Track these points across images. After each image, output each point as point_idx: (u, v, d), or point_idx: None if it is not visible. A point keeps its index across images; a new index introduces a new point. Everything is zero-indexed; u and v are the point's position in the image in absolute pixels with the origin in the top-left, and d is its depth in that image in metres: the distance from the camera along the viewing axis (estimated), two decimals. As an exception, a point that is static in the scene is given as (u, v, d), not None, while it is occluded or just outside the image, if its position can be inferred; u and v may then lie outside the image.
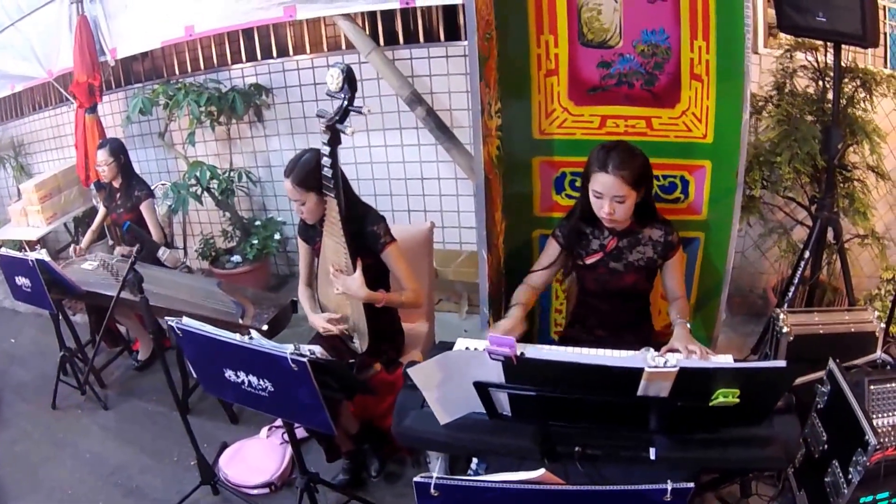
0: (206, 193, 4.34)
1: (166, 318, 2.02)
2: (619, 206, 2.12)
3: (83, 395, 3.63)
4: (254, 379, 1.93)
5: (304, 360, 1.69)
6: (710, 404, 1.46)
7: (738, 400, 1.44)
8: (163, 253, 2.46)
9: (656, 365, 1.34)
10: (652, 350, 1.39)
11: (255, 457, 2.97)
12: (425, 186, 4.31)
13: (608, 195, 2.10)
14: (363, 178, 4.38)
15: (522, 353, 1.40)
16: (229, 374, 1.99)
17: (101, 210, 4.03)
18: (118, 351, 4.00)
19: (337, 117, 2.14)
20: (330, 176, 2.24)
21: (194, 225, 5.10)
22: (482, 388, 1.51)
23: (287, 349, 1.74)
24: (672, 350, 2.03)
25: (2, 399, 3.80)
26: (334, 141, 2.19)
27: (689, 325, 2.17)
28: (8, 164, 5.92)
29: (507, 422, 1.65)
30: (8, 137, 5.95)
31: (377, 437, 2.74)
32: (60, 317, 3.50)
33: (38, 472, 3.17)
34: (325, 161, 2.21)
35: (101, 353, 3.97)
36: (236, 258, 4.56)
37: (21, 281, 3.27)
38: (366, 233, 2.43)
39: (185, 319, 1.97)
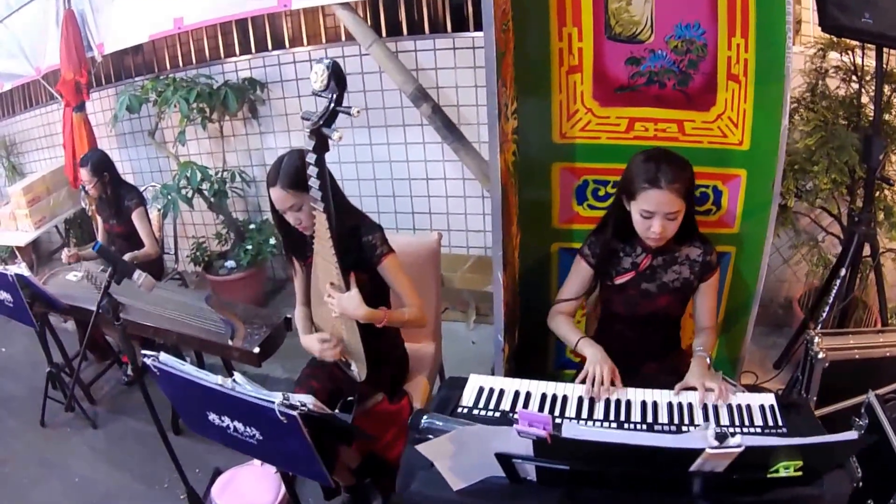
0: (197, 196, 4.11)
1: (142, 352, 1.78)
2: (670, 224, 1.88)
3: (72, 412, 3.47)
4: (240, 425, 1.70)
5: (295, 413, 1.46)
6: (769, 476, 1.23)
7: (800, 472, 1.22)
8: (138, 277, 2.22)
9: (719, 446, 1.10)
10: (713, 426, 1.15)
11: (249, 487, 2.73)
12: (430, 187, 4.07)
13: (661, 213, 1.86)
14: (364, 178, 4.17)
15: (557, 433, 1.15)
16: (213, 417, 1.76)
17: (100, 220, 3.81)
18: (108, 364, 3.79)
19: (322, 120, 1.85)
20: (318, 187, 1.94)
21: (188, 227, 4.90)
22: (505, 459, 1.27)
23: (275, 399, 1.50)
24: (687, 387, 1.81)
25: (-9, 416, 3.66)
26: (321, 147, 1.89)
27: (708, 360, 1.94)
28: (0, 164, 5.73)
29: (529, 485, 1.41)
30: (-1, 137, 5.78)
31: (379, 469, 2.50)
32: (48, 331, 3.32)
33: (29, 496, 3.03)
34: (312, 171, 1.92)
35: (91, 365, 3.84)
36: (230, 263, 4.35)
37: (3, 296, 3.12)
38: (360, 244, 2.17)
39: (163, 356, 1.74)
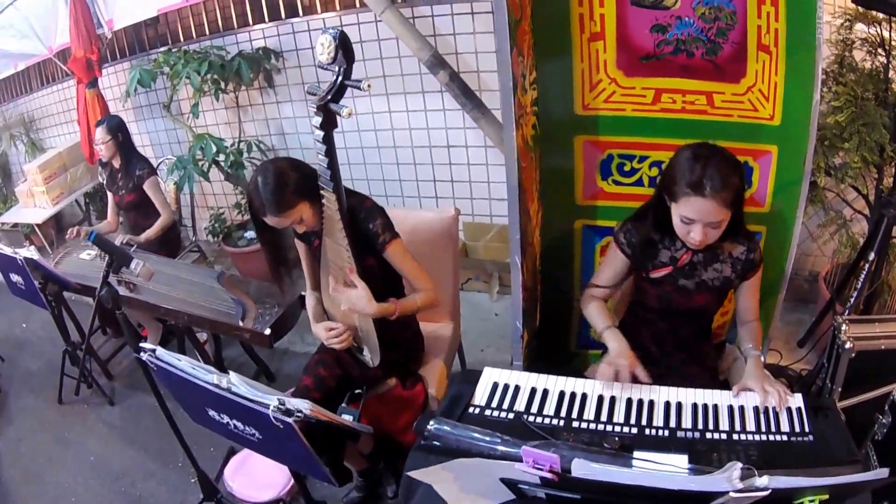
0: (214, 167, 4.02)
1: (140, 344, 1.70)
2: (712, 232, 1.72)
3: (89, 389, 3.47)
4: (239, 424, 1.62)
5: (290, 420, 1.36)
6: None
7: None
8: (135, 267, 2.14)
9: (744, 489, 0.99)
10: (738, 466, 1.03)
11: (263, 468, 2.69)
12: (452, 155, 3.92)
13: (703, 221, 1.69)
14: (383, 147, 4.04)
15: (566, 472, 1.03)
16: (213, 413, 1.68)
17: (110, 197, 3.77)
18: (125, 339, 3.75)
19: (329, 95, 1.73)
20: (326, 166, 1.84)
21: (207, 197, 4.84)
22: (511, 484, 1.16)
23: (271, 402, 1.41)
24: (745, 389, 1.68)
25: (10, 391, 3.68)
26: (328, 124, 1.78)
27: (762, 358, 1.83)
28: (20, 140, 5.71)
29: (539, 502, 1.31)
30: (18, 114, 5.75)
31: (393, 453, 2.43)
32: (63, 310, 3.31)
33: (44, 475, 3.04)
34: (320, 147, 1.81)
35: (109, 340, 3.84)
36: (249, 234, 4.28)
37: (16, 278, 3.12)
38: (361, 230, 2.06)
39: (159, 350, 1.66)
